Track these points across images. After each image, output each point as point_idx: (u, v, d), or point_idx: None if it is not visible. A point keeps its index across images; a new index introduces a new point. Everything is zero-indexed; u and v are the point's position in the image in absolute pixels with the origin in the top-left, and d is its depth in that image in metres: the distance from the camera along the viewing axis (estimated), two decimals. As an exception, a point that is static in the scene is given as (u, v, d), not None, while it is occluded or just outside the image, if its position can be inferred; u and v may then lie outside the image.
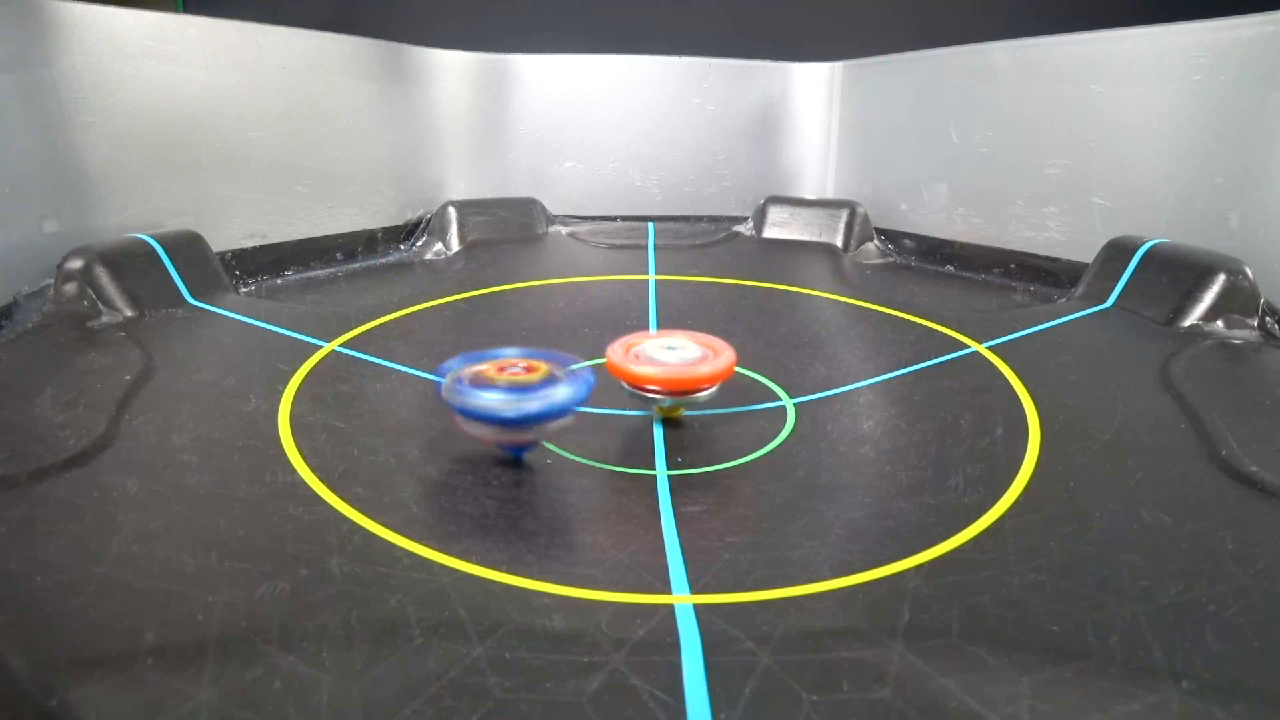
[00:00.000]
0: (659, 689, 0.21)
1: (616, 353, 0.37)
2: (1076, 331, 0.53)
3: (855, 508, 0.32)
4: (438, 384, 0.34)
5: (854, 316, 0.60)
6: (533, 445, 0.35)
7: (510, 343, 0.52)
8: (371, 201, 0.80)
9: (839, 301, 0.64)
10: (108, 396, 0.39)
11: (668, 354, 0.37)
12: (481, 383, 0.32)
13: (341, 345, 0.49)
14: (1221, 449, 0.35)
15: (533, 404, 0.31)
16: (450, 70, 0.86)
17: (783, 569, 0.27)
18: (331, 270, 0.75)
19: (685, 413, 0.40)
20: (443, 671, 0.21)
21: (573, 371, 0.34)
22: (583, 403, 0.33)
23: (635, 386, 0.37)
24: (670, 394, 0.36)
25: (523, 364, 0.34)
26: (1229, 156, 0.58)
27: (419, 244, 0.84)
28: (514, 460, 0.34)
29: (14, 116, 0.54)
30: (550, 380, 0.32)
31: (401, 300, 0.60)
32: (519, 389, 0.32)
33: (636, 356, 0.37)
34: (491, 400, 0.31)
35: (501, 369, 0.33)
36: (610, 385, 0.44)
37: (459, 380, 0.32)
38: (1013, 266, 0.74)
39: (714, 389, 0.37)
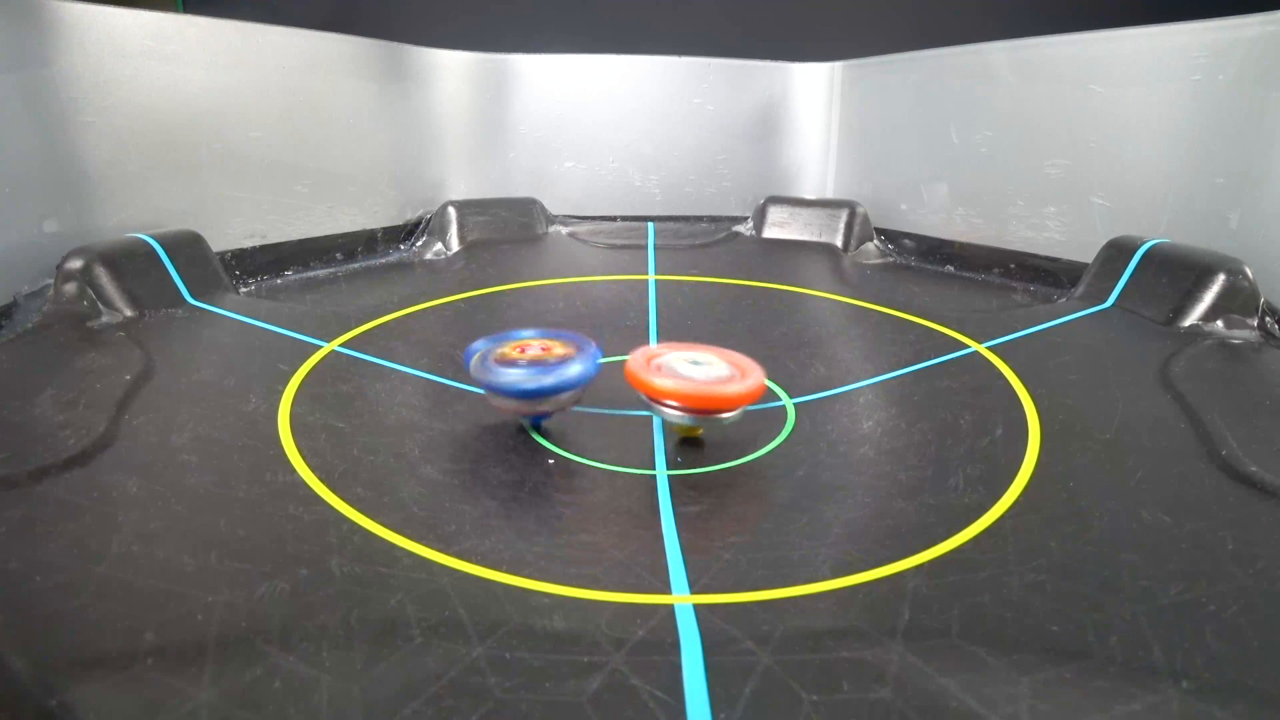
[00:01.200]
0: (659, 689, 0.21)
1: (637, 362, 0.35)
2: (1076, 331, 0.53)
3: (855, 508, 0.32)
4: (466, 359, 0.37)
5: (854, 316, 0.60)
6: (549, 415, 0.38)
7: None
8: (371, 201, 0.80)
9: (839, 301, 0.64)
10: (108, 396, 0.39)
11: (692, 369, 0.35)
12: (505, 361, 0.36)
13: (341, 345, 0.49)
14: (1221, 449, 0.35)
15: (547, 379, 0.35)
16: (450, 70, 0.86)
17: (783, 569, 0.27)
18: (331, 270, 0.75)
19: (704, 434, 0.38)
20: (443, 671, 0.21)
21: (585, 348, 0.37)
22: (593, 377, 0.36)
23: (654, 400, 0.35)
24: (690, 412, 0.34)
25: (539, 344, 0.38)
26: (1229, 156, 0.58)
27: (419, 244, 0.84)
28: (533, 427, 0.38)
29: (14, 116, 0.54)
30: (564, 359, 0.36)
31: (401, 300, 0.60)
32: (537, 366, 0.35)
33: (658, 369, 0.35)
34: (513, 376, 0.35)
35: (522, 349, 0.37)
36: (614, 385, 0.44)
37: (485, 359, 0.36)
38: (1013, 266, 0.74)
39: (739, 412, 0.35)
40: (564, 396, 0.36)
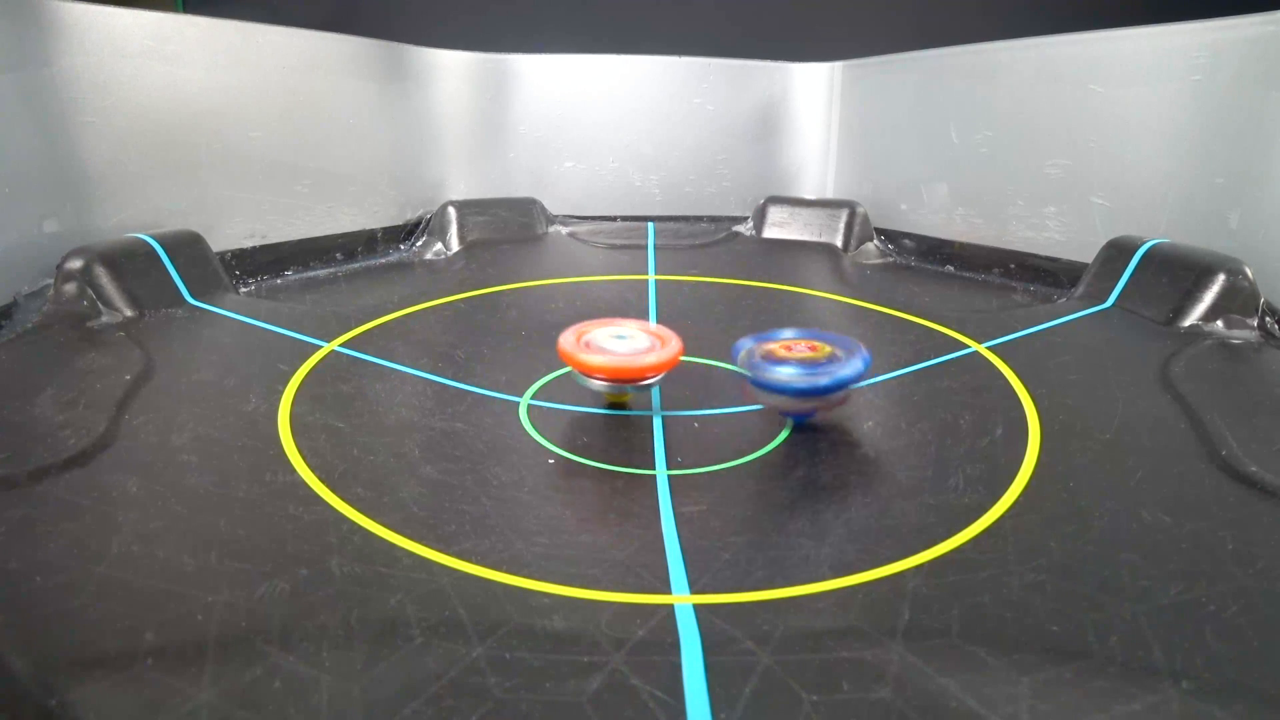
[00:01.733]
0: (659, 689, 0.21)
1: (568, 340, 0.39)
2: (1076, 331, 0.53)
3: (855, 508, 0.32)
4: (734, 354, 0.39)
5: (854, 316, 0.60)
6: (813, 413, 0.39)
7: (512, 341, 0.52)
8: (371, 201, 0.80)
9: (839, 301, 0.64)
10: (108, 396, 0.39)
11: (616, 343, 0.39)
12: (774, 359, 0.37)
13: (341, 345, 0.49)
14: (1221, 449, 0.35)
15: (822, 378, 0.36)
16: (450, 70, 0.86)
17: (783, 569, 0.27)
18: (331, 270, 0.75)
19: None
20: (443, 671, 0.21)
21: (853, 349, 0.38)
22: (863, 378, 0.37)
23: (585, 374, 0.38)
24: (615, 382, 0.38)
25: (805, 344, 0.39)
26: (1229, 156, 0.58)
27: (419, 244, 0.84)
28: (796, 425, 0.39)
29: (14, 116, 0.54)
30: (833, 358, 0.37)
31: (401, 300, 0.60)
32: (809, 365, 0.36)
33: (587, 345, 0.39)
34: (787, 374, 0.36)
35: (789, 348, 0.38)
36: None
37: (753, 355, 0.38)
38: (1013, 266, 0.74)
39: (659, 378, 0.39)
40: (834, 396, 0.37)
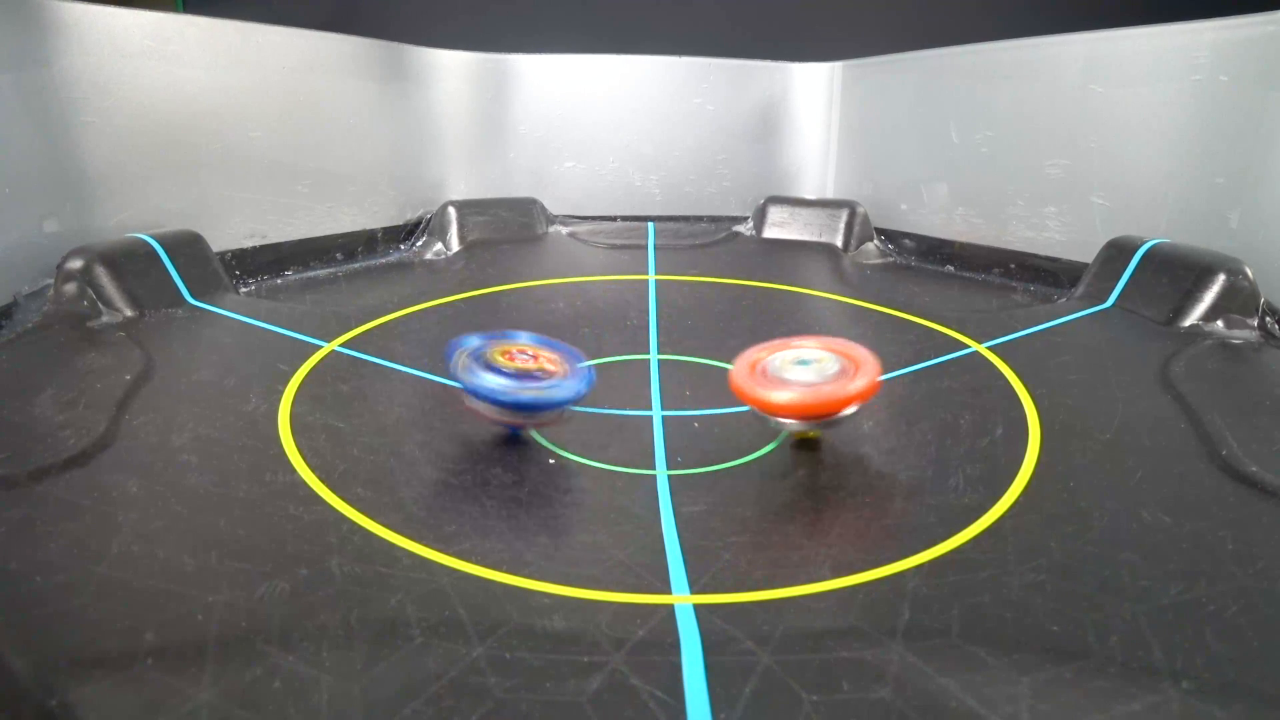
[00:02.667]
0: (659, 689, 0.21)
1: (742, 374, 0.32)
2: (1076, 331, 0.53)
3: (855, 508, 0.32)
4: (449, 357, 0.35)
5: (854, 316, 0.60)
6: (521, 429, 0.36)
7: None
8: (371, 201, 0.80)
9: (839, 301, 0.64)
10: (108, 396, 0.39)
11: (801, 371, 0.32)
12: (491, 365, 0.34)
13: (341, 345, 0.49)
14: (1221, 449, 0.35)
15: (528, 394, 0.33)
16: (450, 70, 0.86)
17: (783, 569, 0.27)
18: (331, 270, 0.75)
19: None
20: (443, 671, 0.21)
21: (577, 368, 0.35)
22: (578, 401, 0.34)
23: (769, 414, 0.32)
24: (809, 419, 0.32)
25: (531, 351, 0.36)
26: (1229, 156, 0.58)
27: (419, 244, 0.84)
28: (511, 435, 0.37)
29: (14, 116, 0.54)
30: (550, 375, 0.34)
31: (401, 300, 0.60)
32: (523, 376, 0.34)
33: (764, 374, 0.32)
34: (493, 384, 0.33)
35: (511, 356, 0.35)
36: (614, 385, 0.44)
37: (473, 358, 0.35)
38: (1013, 266, 0.74)
39: (855, 409, 0.32)
40: (544, 415, 0.34)
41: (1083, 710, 0.20)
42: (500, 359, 0.35)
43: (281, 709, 0.20)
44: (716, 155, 0.95)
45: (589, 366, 0.36)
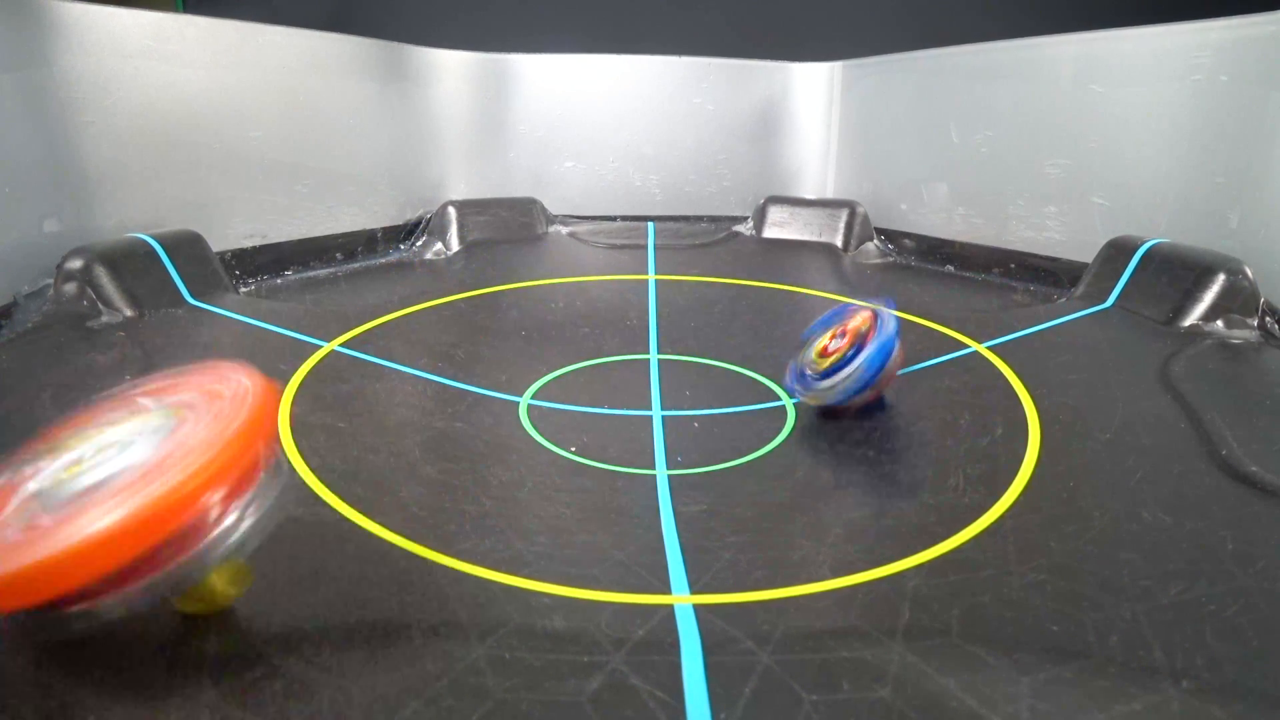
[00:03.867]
0: (659, 689, 0.21)
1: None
2: (1076, 331, 0.53)
3: (855, 508, 0.32)
4: (791, 392, 0.40)
5: (854, 316, 0.60)
6: (886, 384, 0.39)
7: (510, 342, 0.52)
8: (371, 201, 0.80)
9: (839, 302, 0.64)
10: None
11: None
12: (821, 373, 0.38)
13: (341, 345, 0.49)
14: (1221, 449, 0.35)
15: (857, 374, 0.36)
16: (450, 70, 0.86)
17: (783, 569, 0.27)
18: (331, 270, 0.75)
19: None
20: (443, 671, 0.21)
21: (879, 310, 0.38)
22: (883, 366, 0.36)
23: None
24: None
25: (836, 330, 0.38)
26: (1229, 156, 0.58)
27: (419, 244, 0.84)
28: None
29: (14, 116, 0.54)
30: (865, 338, 0.37)
31: (401, 300, 0.60)
32: (845, 362, 0.37)
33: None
34: (835, 389, 0.37)
35: (826, 350, 0.38)
36: (614, 385, 0.44)
37: (800, 382, 0.39)
38: (1013, 266, 0.74)
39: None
40: (886, 368, 0.37)
41: (1083, 710, 0.20)
42: (819, 361, 0.38)
43: (281, 709, 0.20)
44: (716, 155, 0.95)
45: (886, 299, 0.38)
